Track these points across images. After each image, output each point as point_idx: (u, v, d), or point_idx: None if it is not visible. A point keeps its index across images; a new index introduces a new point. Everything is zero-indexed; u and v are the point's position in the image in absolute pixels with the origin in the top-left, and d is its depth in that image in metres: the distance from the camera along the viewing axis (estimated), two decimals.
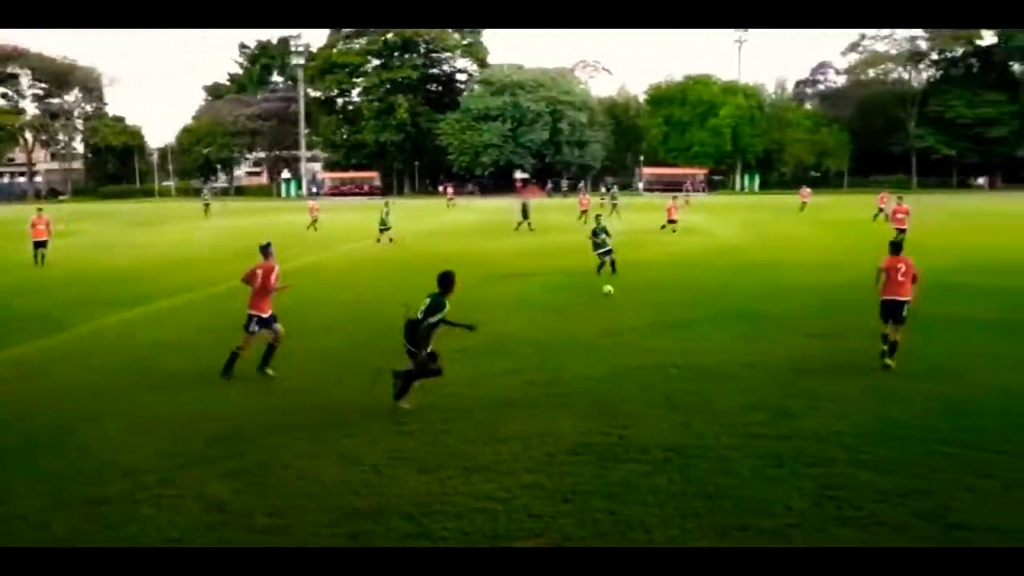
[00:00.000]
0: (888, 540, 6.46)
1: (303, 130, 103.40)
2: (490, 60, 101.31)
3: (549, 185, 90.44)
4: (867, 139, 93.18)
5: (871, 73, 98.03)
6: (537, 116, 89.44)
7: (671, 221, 35.89)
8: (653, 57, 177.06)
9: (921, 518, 6.85)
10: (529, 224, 38.15)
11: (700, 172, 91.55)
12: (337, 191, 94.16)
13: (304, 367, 12.36)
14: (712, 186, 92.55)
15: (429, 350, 9.95)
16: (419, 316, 9.84)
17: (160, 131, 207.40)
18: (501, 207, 57.92)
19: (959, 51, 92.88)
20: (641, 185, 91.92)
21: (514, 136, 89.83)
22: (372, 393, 10.66)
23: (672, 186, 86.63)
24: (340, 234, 38.60)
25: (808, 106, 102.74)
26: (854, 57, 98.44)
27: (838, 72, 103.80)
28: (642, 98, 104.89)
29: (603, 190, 67.49)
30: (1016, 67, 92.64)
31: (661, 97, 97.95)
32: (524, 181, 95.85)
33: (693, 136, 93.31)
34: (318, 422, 9.75)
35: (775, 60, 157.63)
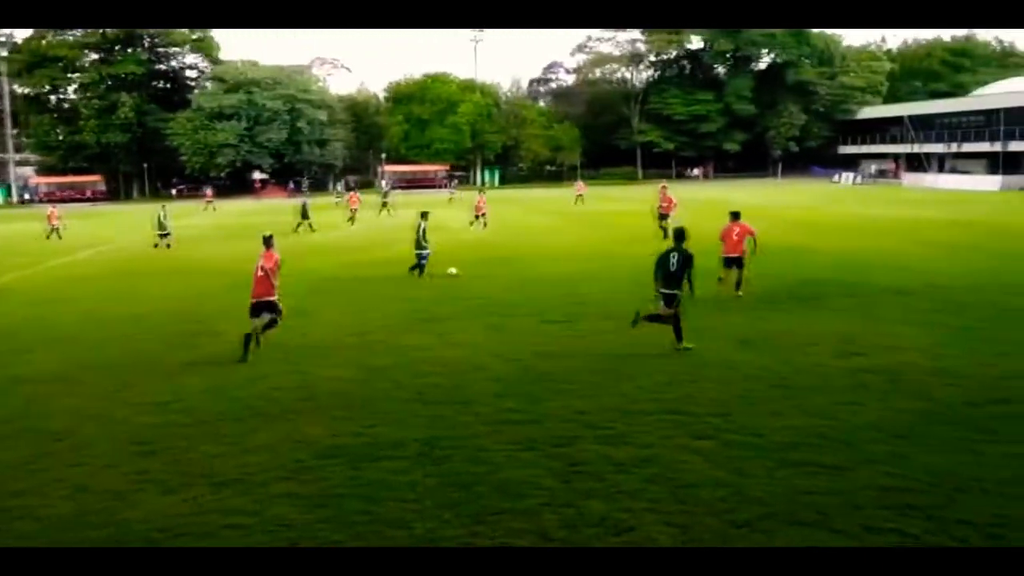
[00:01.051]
0: (626, 505, 6.98)
1: (10, 131, 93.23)
2: (222, 56, 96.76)
3: (291, 185, 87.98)
4: (597, 134, 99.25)
5: (598, 72, 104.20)
6: (275, 115, 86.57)
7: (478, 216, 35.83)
8: (391, 55, 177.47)
9: (654, 482, 7.47)
10: (311, 224, 37.25)
11: (442, 168, 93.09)
12: (54, 197, 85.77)
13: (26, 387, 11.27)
14: (455, 180, 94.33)
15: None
16: (674, 268, 12.23)
17: None
18: (268, 208, 55.65)
19: (673, 53, 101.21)
20: (384, 183, 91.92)
21: (251, 135, 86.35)
22: (110, 415, 9.92)
23: (415, 183, 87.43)
24: (81, 241, 35.24)
25: (542, 103, 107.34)
26: (582, 57, 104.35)
27: (568, 71, 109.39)
28: (382, 96, 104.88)
29: (339, 189, 66.38)
30: (720, 69, 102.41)
31: (401, 95, 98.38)
32: (263, 182, 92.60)
33: (434, 133, 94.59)
34: (38, 453, 8.91)
35: (509, 59, 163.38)
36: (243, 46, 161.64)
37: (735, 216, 17.34)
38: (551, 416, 9.45)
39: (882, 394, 10.02)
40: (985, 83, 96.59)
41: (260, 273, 13.07)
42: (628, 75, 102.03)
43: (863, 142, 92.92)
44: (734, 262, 16.75)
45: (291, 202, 71.55)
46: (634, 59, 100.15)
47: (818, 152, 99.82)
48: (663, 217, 27.91)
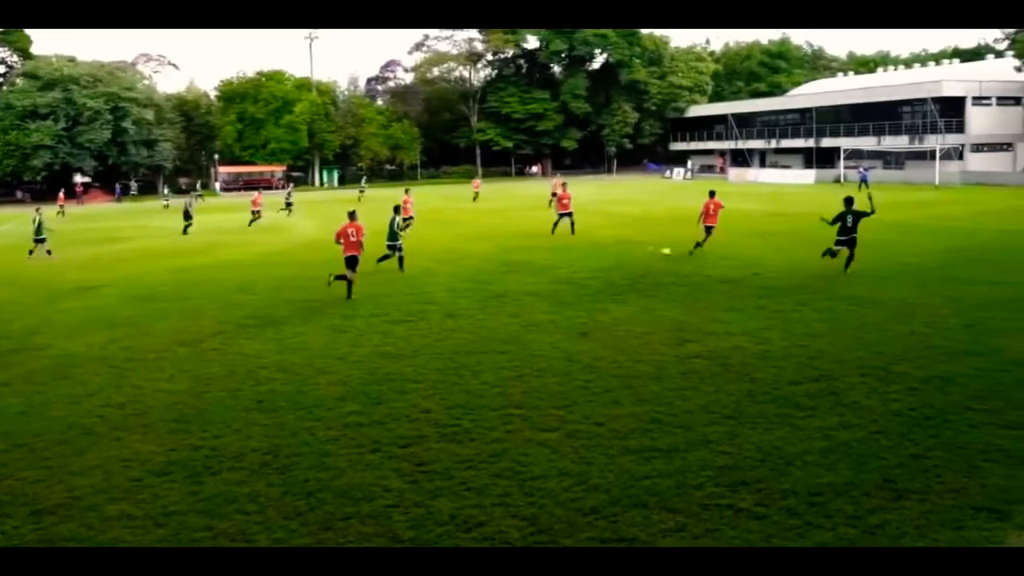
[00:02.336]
0: (475, 501, 7.03)
1: None
2: (35, 51, 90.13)
3: (118, 189, 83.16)
4: (436, 133, 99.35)
5: (436, 71, 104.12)
6: (96, 114, 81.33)
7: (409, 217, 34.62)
8: (221, 52, 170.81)
9: (502, 477, 7.57)
10: (189, 226, 35.63)
11: (279, 169, 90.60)
12: None
13: None
14: (292, 182, 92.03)
15: None
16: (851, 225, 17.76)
17: None
18: (88, 214, 52.00)
19: (510, 53, 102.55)
20: (218, 185, 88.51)
21: (70, 136, 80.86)
22: None
23: (251, 185, 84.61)
24: None
25: (380, 102, 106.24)
26: (420, 56, 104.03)
27: (406, 70, 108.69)
28: (214, 94, 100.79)
29: (167, 192, 63.08)
30: (556, 69, 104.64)
31: (234, 93, 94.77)
32: (86, 185, 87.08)
33: (269, 133, 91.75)
34: None
35: (346, 57, 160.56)
36: (58, 41, 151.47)
37: (712, 194, 23.22)
38: (397, 417, 9.38)
39: (713, 378, 10.55)
40: (799, 84, 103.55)
41: (353, 238, 17.57)
42: (466, 74, 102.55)
43: (692, 139, 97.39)
44: (710, 229, 22.67)
45: (118, 207, 67.91)
46: (472, 58, 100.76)
47: (651, 148, 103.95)
48: (565, 214, 28.13)
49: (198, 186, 74.86)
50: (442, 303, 16.36)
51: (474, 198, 51.64)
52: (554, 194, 41.97)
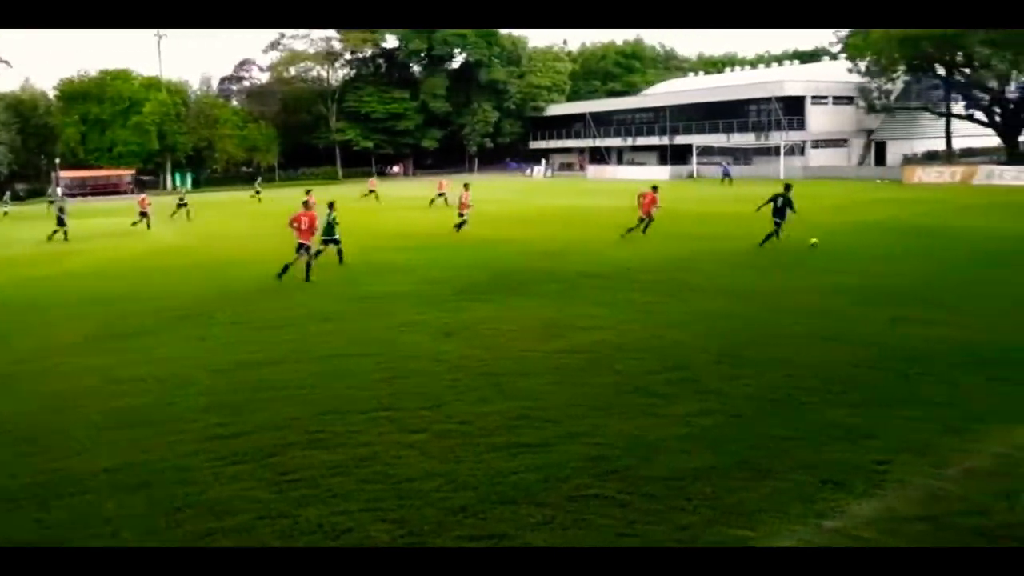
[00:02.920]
0: (343, 507, 6.93)
1: None
2: None
3: None
4: (294, 134, 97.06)
5: (293, 71, 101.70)
6: None
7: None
8: (59, 50, 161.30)
9: (371, 481, 7.49)
10: (66, 232, 33.84)
11: (126, 173, 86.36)
12: None
13: None
14: (143, 186, 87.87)
15: None
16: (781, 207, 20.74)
17: None
18: None
19: (368, 52, 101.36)
20: (60, 191, 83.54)
21: None
22: None
23: (98, 191, 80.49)
24: None
25: (235, 103, 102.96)
26: (275, 55, 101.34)
27: (262, 69, 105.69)
28: (52, 94, 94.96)
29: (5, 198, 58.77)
30: (415, 68, 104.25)
31: (75, 93, 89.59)
32: None
33: (116, 135, 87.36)
34: None
35: (197, 56, 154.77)
36: None
37: (654, 188, 26.02)
38: (263, 426, 9.13)
39: (579, 372, 10.79)
40: (652, 83, 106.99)
41: (304, 227, 19.51)
42: (324, 73, 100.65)
43: (551, 137, 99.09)
44: (645, 218, 25.09)
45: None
46: (329, 57, 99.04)
47: (511, 147, 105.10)
48: (461, 216, 29.13)
49: (58, 192, 70.34)
50: (308, 307, 16.04)
51: (367, 195, 52.34)
52: (440, 194, 42.32)
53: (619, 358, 11.38)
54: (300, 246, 19.43)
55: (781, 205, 21.66)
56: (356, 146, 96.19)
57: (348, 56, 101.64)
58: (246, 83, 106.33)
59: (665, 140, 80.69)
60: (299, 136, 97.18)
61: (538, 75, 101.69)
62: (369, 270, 20.56)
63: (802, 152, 68.33)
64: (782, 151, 63.26)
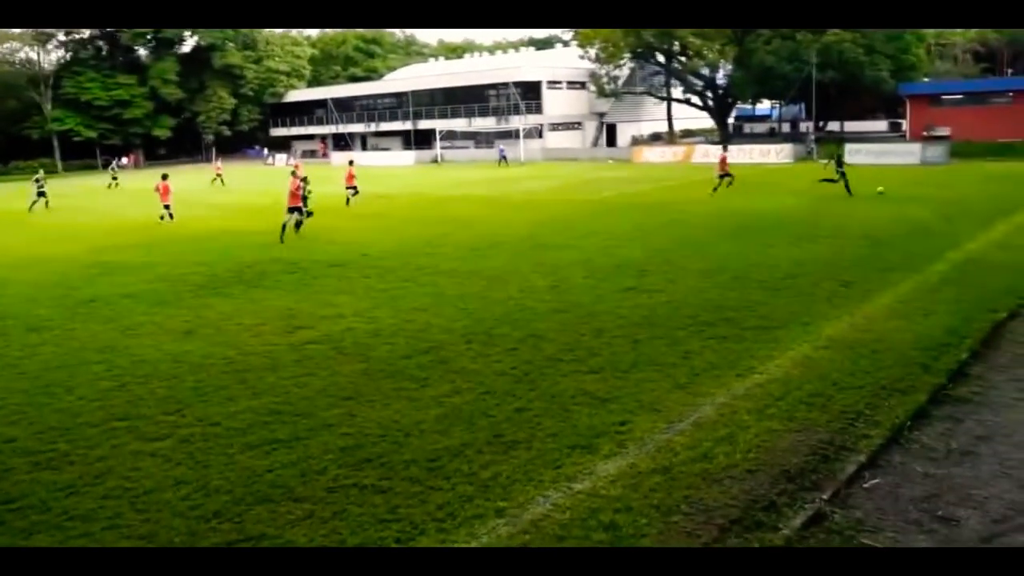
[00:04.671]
0: (81, 530, 6.39)
1: None
2: None
3: None
4: (2, 123, 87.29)
5: None
6: None
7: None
8: None
9: (109, 498, 6.94)
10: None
11: None
12: None
13: None
14: None
15: None
16: None
17: None
18: None
19: (87, 33, 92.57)
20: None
21: None
22: None
23: None
24: None
25: None
26: None
27: None
28: None
29: None
30: (142, 52, 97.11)
31: None
32: None
33: None
34: None
35: None
36: None
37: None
38: None
39: (327, 362, 10.63)
40: (394, 68, 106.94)
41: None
42: (35, 55, 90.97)
43: (293, 124, 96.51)
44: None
45: None
46: (40, 38, 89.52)
47: (251, 135, 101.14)
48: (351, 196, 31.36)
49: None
50: (21, 316, 14.46)
51: (216, 181, 50.23)
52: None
53: (369, 345, 11.34)
54: (292, 208, 22.60)
55: (839, 162, 28.18)
56: (77, 137, 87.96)
57: (62, 37, 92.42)
58: None
59: (408, 125, 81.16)
60: (7, 126, 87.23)
61: (276, 60, 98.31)
62: (94, 271, 18.92)
63: (540, 135, 71.30)
64: (522, 134, 65.60)
